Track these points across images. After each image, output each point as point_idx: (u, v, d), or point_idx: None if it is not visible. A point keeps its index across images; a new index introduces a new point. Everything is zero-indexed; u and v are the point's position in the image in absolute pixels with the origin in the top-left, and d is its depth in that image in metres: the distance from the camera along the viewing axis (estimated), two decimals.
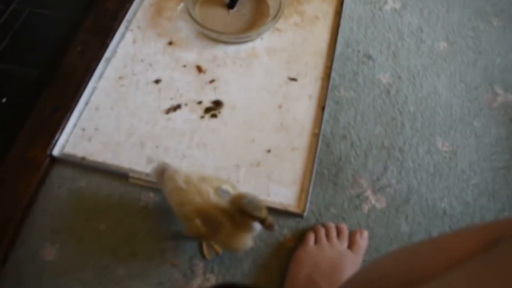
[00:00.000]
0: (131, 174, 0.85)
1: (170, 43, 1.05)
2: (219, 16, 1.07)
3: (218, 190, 0.69)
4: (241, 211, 0.63)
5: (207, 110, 0.95)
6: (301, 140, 0.92)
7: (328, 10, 1.13)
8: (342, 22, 1.12)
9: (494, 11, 1.18)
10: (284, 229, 0.83)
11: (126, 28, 1.08)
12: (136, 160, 0.88)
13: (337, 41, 1.07)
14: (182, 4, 1.08)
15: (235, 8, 1.08)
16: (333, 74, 1.02)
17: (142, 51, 1.04)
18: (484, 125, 0.98)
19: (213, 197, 0.68)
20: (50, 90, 0.98)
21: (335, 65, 1.04)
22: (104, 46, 1.04)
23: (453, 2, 1.20)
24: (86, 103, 0.96)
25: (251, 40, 1.03)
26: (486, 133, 0.97)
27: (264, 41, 1.06)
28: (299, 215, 0.84)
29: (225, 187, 0.70)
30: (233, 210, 0.65)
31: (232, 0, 1.09)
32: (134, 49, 1.04)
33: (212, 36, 1.02)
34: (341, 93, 0.99)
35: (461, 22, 1.15)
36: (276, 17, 1.03)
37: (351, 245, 0.79)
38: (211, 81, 0.99)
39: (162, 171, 0.74)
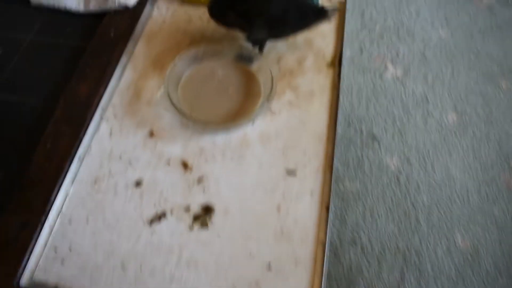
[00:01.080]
0: None
1: (151, 134, 0.92)
2: (204, 97, 0.96)
3: None
4: None
5: (196, 218, 0.83)
6: (305, 249, 0.80)
7: (324, 83, 1.02)
8: (341, 96, 1.00)
9: (501, 71, 1.08)
10: None
11: (101, 117, 0.96)
12: (117, 287, 0.75)
13: (337, 120, 0.96)
14: (162, 88, 0.95)
15: (228, 87, 0.96)
16: (335, 162, 0.90)
17: (120, 146, 0.91)
18: (504, 211, 0.87)
19: None
20: (17, 201, 0.85)
21: (337, 151, 0.92)
22: (76, 141, 0.91)
23: (457, 63, 1.09)
24: (58, 215, 0.83)
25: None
26: (508, 222, 0.86)
27: (256, 126, 0.94)
28: None
29: None
30: None
31: (249, 57, 1.00)
32: (111, 144, 0.92)
33: (198, 126, 0.90)
34: (346, 186, 0.87)
35: (468, 87, 1.04)
36: (269, 96, 0.91)
37: None
38: (199, 180, 0.87)
39: None
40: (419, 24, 1.15)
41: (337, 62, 1.07)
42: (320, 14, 0.96)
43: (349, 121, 0.98)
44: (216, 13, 0.98)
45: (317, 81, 1.03)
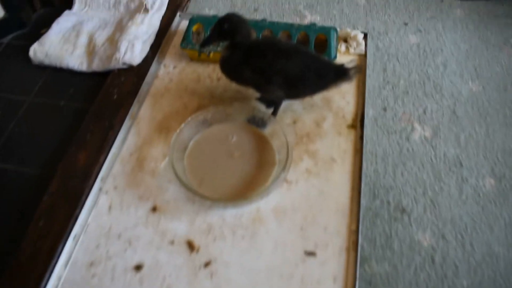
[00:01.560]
0: None
1: (154, 209, 0.83)
2: (213, 168, 0.87)
3: None
4: None
5: None
6: None
7: (345, 148, 0.91)
8: (364, 162, 0.90)
9: None
10: None
11: (100, 189, 0.87)
12: None
13: (361, 190, 0.85)
14: (166, 159, 0.86)
15: (239, 155, 0.87)
16: (360, 240, 0.79)
17: (120, 222, 0.81)
18: None
19: None
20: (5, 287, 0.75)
21: (362, 227, 0.81)
22: (72, 217, 0.82)
23: (492, 120, 0.98)
24: None
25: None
26: None
27: (271, 199, 0.84)
28: None
29: None
30: None
31: (262, 120, 0.94)
32: (110, 220, 0.82)
33: (206, 202, 0.81)
34: (373, 268, 0.75)
35: (506, 147, 0.94)
36: (284, 166, 0.81)
37: None
38: (207, 264, 0.77)
39: None
40: (447, 78, 1.06)
41: (358, 123, 0.98)
42: (341, 73, 0.87)
43: (374, 191, 0.87)
44: (229, 68, 0.90)
45: (338, 145, 0.93)
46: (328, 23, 1.21)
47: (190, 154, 0.90)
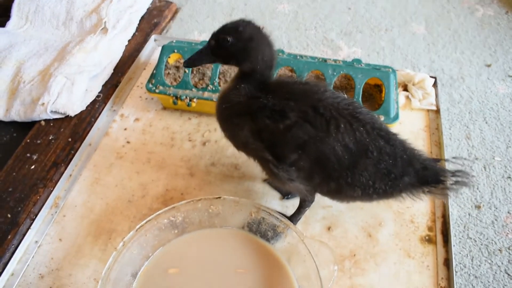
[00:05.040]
0: None
1: None
2: None
3: None
4: None
5: None
6: None
7: (421, 284, 0.47)
8: None
9: None
10: None
11: None
12: None
13: None
14: None
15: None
16: None
17: None
18: None
19: None
20: None
21: None
22: None
23: None
24: None
25: None
26: None
27: None
28: None
29: None
30: None
31: (272, 226, 0.52)
32: None
33: None
34: None
35: None
36: None
37: None
38: None
39: None
40: None
41: (440, 234, 0.55)
42: (431, 177, 0.48)
43: None
44: (227, 115, 0.51)
45: (407, 277, 0.49)
46: (373, 60, 0.80)
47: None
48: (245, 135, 0.49)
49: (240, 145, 0.52)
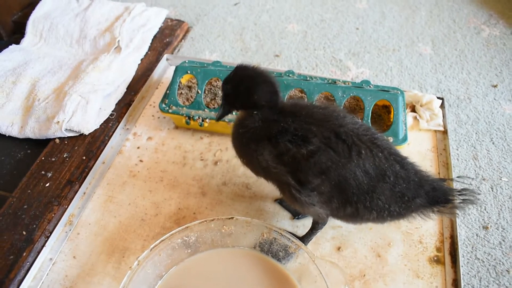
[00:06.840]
0: None
1: None
2: None
3: None
4: None
5: None
6: None
7: None
8: None
9: None
10: None
11: None
12: None
13: None
14: None
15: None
16: None
17: None
18: None
19: None
20: None
21: None
22: None
23: None
24: None
25: None
26: None
27: None
28: None
29: None
30: None
31: (284, 247, 0.54)
32: None
33: None
34: None
35: None
36: None
37: None
38: None
39: None
40: None
41: (448, 255, 0.55)
42: (440, 197, 0.49)
43: None
44: (242, 141, 0.53)
45: None
46: (381, 80, 0.81)
47: None
48: (265, 159, 0.50)
49: (260, 170, 0.53)
